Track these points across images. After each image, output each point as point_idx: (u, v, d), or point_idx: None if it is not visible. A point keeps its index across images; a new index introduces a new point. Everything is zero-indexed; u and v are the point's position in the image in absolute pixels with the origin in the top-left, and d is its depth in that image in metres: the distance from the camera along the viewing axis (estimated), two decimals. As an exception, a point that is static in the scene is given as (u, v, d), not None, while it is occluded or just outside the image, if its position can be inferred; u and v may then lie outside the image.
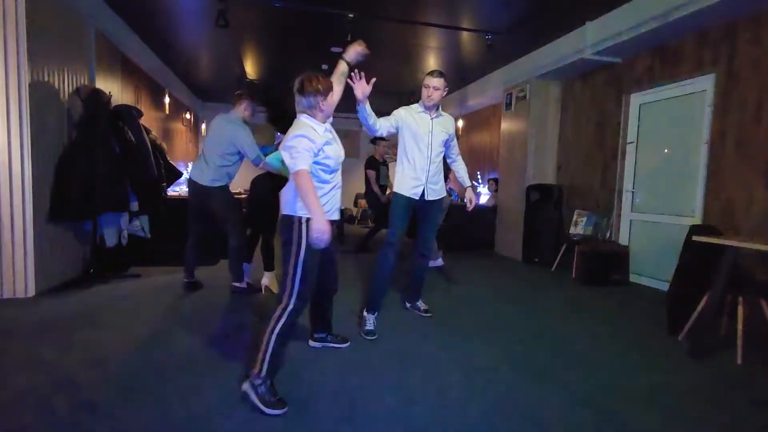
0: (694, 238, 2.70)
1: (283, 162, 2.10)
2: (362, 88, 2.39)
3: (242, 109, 3.47)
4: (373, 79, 2.40)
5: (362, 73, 2.37)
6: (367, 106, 2.52)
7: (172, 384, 2.02)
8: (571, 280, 4.66)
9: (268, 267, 3.66)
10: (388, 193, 5.62)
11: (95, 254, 3.97)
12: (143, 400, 1.86)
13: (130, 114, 4.03)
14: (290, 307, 1.84)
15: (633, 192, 4.68)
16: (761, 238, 2.71)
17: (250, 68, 7.04)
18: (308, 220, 1.84)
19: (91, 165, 3.56)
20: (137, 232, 4.19)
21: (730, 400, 2.08)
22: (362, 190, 6.15)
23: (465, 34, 5.22)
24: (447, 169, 3.30)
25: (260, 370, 1.79)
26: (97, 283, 3.76)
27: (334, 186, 2.05)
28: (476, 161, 8.16)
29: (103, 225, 3.91)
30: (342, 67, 2.34)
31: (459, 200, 6.90)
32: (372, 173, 5.77)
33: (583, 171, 5.37)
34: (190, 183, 3.52)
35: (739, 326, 2.51)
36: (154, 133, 4.78)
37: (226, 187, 3.53)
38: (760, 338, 2.70)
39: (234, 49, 6.05)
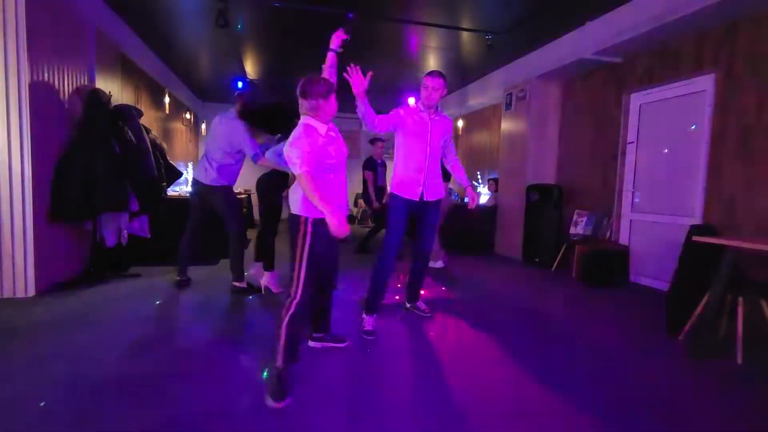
0: (694, 238, 2.70)
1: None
2: (359, 82, 2.34)
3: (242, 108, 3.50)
4: (370, 73, 2.37)
5: (358, 67, 2.32)
6: (366, 102, 2.49)
7: (173, 384, 2.02)
8: (571, 280, 4.66)
9: (268, 267, 3.66)
10: (384, 201, 5.59)
11: (95, 254, 3.98)
12: (143, 400, 1.87)
13: (130, 114, 4.03)
14: (298, 299, 1.99)
15: (633, 192, 4.67)
16: (761, 238, 2.71)
17: (250, 68, 7.04)
18: (314, 220, 2.00)
19: (91, 165, 3.56)
20: (137, 232, 4.19)
21: (730, 400, 2.08)
22: (362, 190, 6.14)
23: (465, 34, 5.22)
24: (447, 171, 3.29)
25: (278, 359, 1.95)
26: (97, 283, 3.76)
27: (340, 183, 2.14)
28: (476, 161, 8.15)
29: (103, 225, 3.91)
30: (330, 58, 2.40)
31: (459, 200, 6.90)
32: (369, 174, 5.75)
33: (583, 171, 5.37)
34: (194, 182, 3.59)
35: (739, 326, 2.51)
36: (154, 132, 4.79)
37: (229, 187, 3.56)
38: (760, 338, 2.70)
39: (234, 49, 6.05)
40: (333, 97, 2.04)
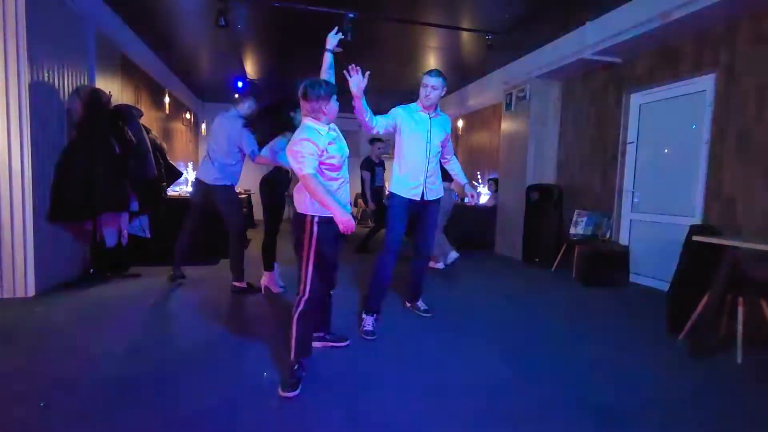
0: (694, 238, 2.70)
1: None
2: (357, 82, 2.34)
3: (246, 108, 3.52)
4: (368, 72, 2.37)
5: (358, 67, 2.34)
6: (363, 102, 2.50)
7: (173, 384, 2.02)
8: (571, 280, 4.66)
9: (267, 267, 3.66)
10: (384, 201, 5.57)
11: (95, 254, 3.98)
12: (144, 400, 1.87)
13: (130, 114, 4.04)
14: (306, 295, 2.06)
15: (633, 192, 4.67)
16: (761, 238, 2.71)
17: (250, 68, 7.04)
18: (320, 218, 2.05)
19: (91, 165, 3.56)
20: (137, 232, 4.19)
21: (731, 399, 2.08)
22: (360, 190, 6.14)
23: (465, 34, 5.23)
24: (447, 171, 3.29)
25: (291, 354, 2.03)
26: (97, 283, 3.76)
27: (342, 181, 2.16)
28: (476, 161, 8.15)
29: (103, 225, 3.91)
30: (327, 59, 2.40)
31: (459, 200, 6.90)
32: (367, 175, 5.75)
33: (583, 171, 5.37)
34: (197, 181, 3.61)
35: (739, 326, 2.51)
36: (154, 132, 4.79)
37: (231, 187, 3.58)
38: (760, 338, 2.70)
39: (234, 49, 6.05)
40: (334, 99, 2.06)
